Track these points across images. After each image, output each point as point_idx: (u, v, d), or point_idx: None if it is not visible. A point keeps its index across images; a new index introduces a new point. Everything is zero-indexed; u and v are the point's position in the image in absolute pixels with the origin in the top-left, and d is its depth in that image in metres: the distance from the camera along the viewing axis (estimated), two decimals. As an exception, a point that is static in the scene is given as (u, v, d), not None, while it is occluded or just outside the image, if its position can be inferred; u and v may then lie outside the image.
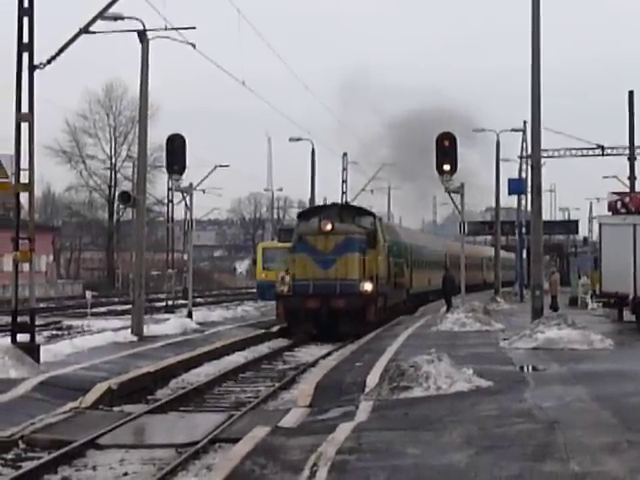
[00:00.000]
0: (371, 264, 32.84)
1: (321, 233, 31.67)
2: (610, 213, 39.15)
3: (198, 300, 49.06)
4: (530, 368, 19.58)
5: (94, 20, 23.61)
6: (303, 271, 31.71)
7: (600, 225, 30.84)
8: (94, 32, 23.90)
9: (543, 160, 31.83)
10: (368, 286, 30.83)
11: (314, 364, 25.46)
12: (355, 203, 62.47)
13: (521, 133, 48.69)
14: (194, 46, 29.81)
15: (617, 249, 29.78)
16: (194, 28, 29.61)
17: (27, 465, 12.74)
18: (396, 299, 39.61)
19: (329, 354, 26.59)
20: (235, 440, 12.77)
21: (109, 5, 23.81)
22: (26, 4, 21.96)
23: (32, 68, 21.84)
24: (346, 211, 36.20)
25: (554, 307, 39.05)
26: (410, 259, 45.79)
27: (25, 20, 21.91)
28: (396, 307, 39.55)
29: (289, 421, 14.57)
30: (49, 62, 22.27)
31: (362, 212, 37.20)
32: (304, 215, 35.93)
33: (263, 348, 29.85)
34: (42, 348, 22.74)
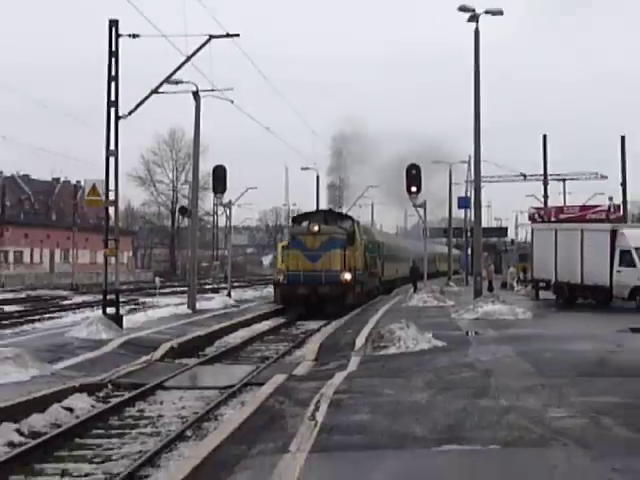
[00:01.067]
0: (350, 258, 31.07)
1: (310, 233, 30.08)
2: (530, 221, 39.33)
3: (235, 284, 48.81)
4: (473, 332, 19.72)
5: (161, 84, 23.73)
6: (295, 264, 30.11)
7: (532, 230, 31.04)
8: (162, 92, 24.02)
9: (482, 184, 32.00)
10: (347, 276, 29.38)
11: (319, 330, 25.59)
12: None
13: (466, 164, 48.45)
14: (232, 102, 30.09)
15: (543, 247, 29.93)
16: (232, 89, 29.74)
17: (113, 401, 13.00)
18: (371, 285, 37.85)
19: (329, 324, 26.54)
20: (261, 384, 13.01)
21: (172, 73, 23.92)
22: (113, 72, 22.10)
23: (117, 119, 22.02)
24: (330, 216, 34.26)
25: (490, 289, 39.10)
26: (382, 254, 43.83)
27: (112, 85, 22.07)
28: (371, 291, 37.95)
29: (300, 371, 14.81)
30: (129, 114, 22.42)
31: (343, 216, 35.71)
32: (297, 219, 34.64)
33: (281, 319, 29.77)
34: (124, 318, 22.92)
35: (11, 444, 10.08)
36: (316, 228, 29.92)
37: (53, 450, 9.93)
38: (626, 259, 25.10)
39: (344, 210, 58.23)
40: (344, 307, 28.35)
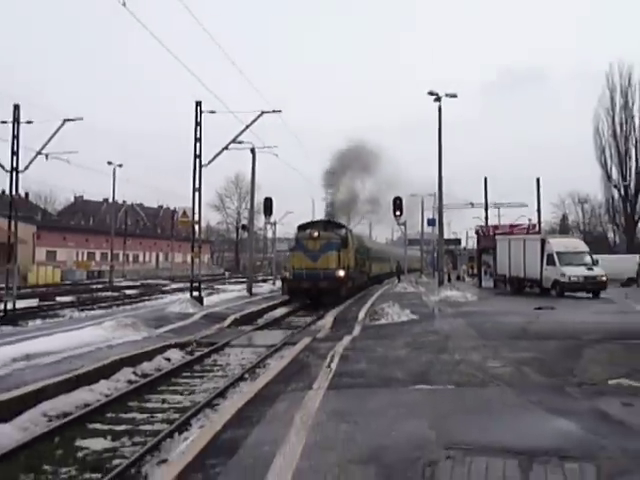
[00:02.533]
0: (344, 258, 27.00)
1: (311, 238, 25.95)
2: (476, 235, 39.14)
3: (277, 277, 49.05)
4: (437, 310, 19.56)
5: (229, 144, 23.83)
6: (299, 263, 25.86)
7: (496, 240, 30.55)
8: (229, 149, 24.15)
9: (444, 210, 31.87)
10: (341, 273, 25.69)
11: (334, 307, 25.49)
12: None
13: (434, 196, 48.20)
14: (276, 155, 29.99)
15: (502, 252, 29.43)
16: (277, 147, 29.76)
17: (197, 353, 13.04)
18: (361, 280, 33.45)
19: (339, 305, 26.46)
20: (294, 343, 13.02)
21: (236, 137, 24.05)
22: (198, 136, 22.29)
23: (200, 167, 22.17)
24: (328, 224, 29.64)
25: (449, 280, 38.74)
26: (370, 256, 38.70)
27: (197, 144, 22.26)
28: (361, 285, 33.65)
29: (321, 335, 14.80)
30: (208, 164, 22.54)
31: (339, 225, 30.82)
32: (301, 227, 29.34)
33: (308, 300, 29.66)
34: (204, 299, 23.00)
35: (129, 381, 10.20)
36: (316, 234, 26.10)
37: (157, 386, 10.03)
38: (550, 260, 24.70)
39: (351, 225, 56.41)
40: (339, 298, 25.47)
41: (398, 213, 30.26)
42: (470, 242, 58.81)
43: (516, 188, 55.16)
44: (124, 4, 13.35)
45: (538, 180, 41.54)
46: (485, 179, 44.30)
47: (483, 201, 45.17)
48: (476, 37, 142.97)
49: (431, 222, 48.64)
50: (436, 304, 21.60)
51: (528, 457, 4.82)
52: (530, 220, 42.22)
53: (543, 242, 25.85)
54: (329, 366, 9.45)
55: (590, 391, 7.40)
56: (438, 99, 28.05)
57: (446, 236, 41.94)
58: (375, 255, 42.34)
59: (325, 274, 25.20)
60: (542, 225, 42.87)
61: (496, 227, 38.43)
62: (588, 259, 24.81)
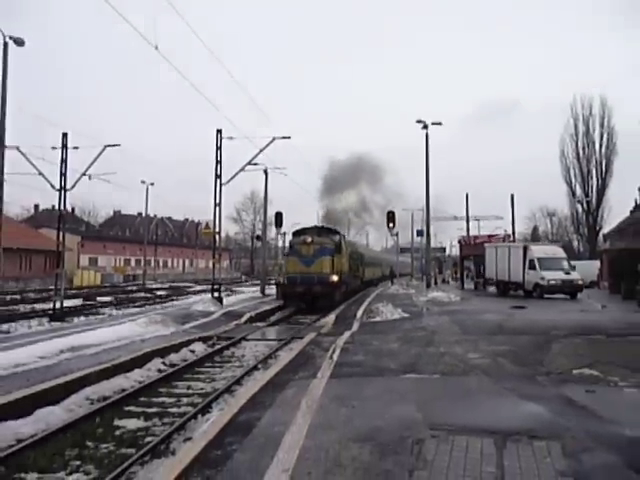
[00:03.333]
0: (337, 263, 24.00)
1: (305, 243, 23.09)
2: (459, 244, 39.03)
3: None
4: (425, 309, 19.36)
5: (245, 165, 23.86)
6: (294, 268, 22.95)
7: (485, 247, 29.95)
8: (245, 170, 24.18)
9: (431, 222, 31.88)
10: (335, 277, 22.82)
11: (336, 307, 25.33)
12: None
13: (422, 210, 48.14)
14: (286, 175, 29.87)
15: (490, 258, 28.69)
16: (285, 168, 29.72)
17: (217, 346, 12.98)
18: (354, 284, 29.98)
19: (340, 304, 26.27)
20: (301, 338, 12.93)
21: (252, 159, 24.08)
22: (218, 159, 22.36)
23: (220, 185, 22.16)
24: (322, 230, 26.08)
25: (435, 283, 38.64)
26: (363, 261, 35.09)
27: (218, 166, 22.32)
28: (354, 289, 29.97)
29: (324, 330, 14.65)
30: (227, 182, 22.59)
31: (332, 231, 26.94)
32: (296, 233, 26.04)
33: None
34: (223, 299, 22.97)
35: (159, 370, 10.19)
36: (309, 239, 23.13)
37: (183, 374, 10.01)
38: (531, 265, 24.17)
39: (351, 234, 54.35)
40: (333, 302, 22.56)
41: (391, 225, 30.20)
42: (454, 250, 58.57)
43: (493, 203, 55.49)
44: (156, 48, 13.46)
45: (512, 196, 41.98)
46: (466, 195, 44.71)
47: (465, 214, 45.29)
48: (456, 74, 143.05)
49: (420, 233, 48.57)
50: (424, 304, 21.49)
51: (502, 436, 4.82)
52: (505, 231, 42.22)
53: (525, 249, 25.37)
54: (331, 357, 9.44)
55: (557, 379, 7.38)
56: (425, 127, 28.16)
57: (433, 245, 41.86)
58: (368, 260, 39.13)
59: (319, 279, 22.34)
60: (516, 235, 42.85)
61: (476, 237, 38.40)
62: (566, 264, 24.36)
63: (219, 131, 22.31)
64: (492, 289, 29.89)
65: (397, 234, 38.35)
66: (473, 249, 34.09)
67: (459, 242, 39.03)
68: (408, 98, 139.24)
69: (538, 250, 25.35)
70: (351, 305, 23.54)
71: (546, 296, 23.22)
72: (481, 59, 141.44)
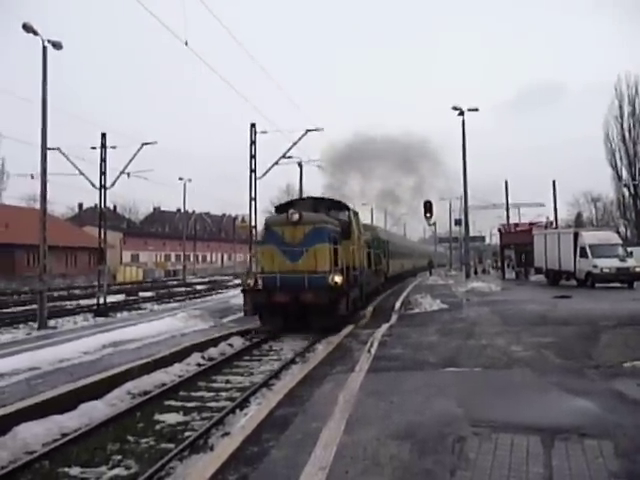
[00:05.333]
0: (344, 254, 15.14)
1: (289, 223, 14.24)
2: (499, 233, 38.11)
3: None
4: (465, 300, 18.97)
5: (279, 159, 23.88)
6: (270, 263, 14.33)
7: (534, 235, 29.05)
8: (280, 164, 24.18)
9: (469, 210, 31.25)
10: (338, 278, 13.73)
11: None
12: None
13: (460, 199, 47.22)
14: (319, 167, 29.27)
15: (539, 247, 27.63)
16: (319, 160, 29.30)
17: (255, 340, 12.98)
18: (376, 283, 21.61)
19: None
20: (339, 330, 12.76)
21: (286, 152, 24.05)
22: (252, 153, 22.43)
23: (255, 179, 22.30)
24: (321, 203, 16.64)
25: (475, 273, 37.97)
26: (388, 251, 26.86)
27: (253, 160, 22.41)
28: (376, 289, 21.71)
29: (362, 323, 14.45)
30: (262, 176, 22.68)
31: (337, 204, 17.12)
32: (280, 208, 16.74)
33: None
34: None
35: (198, 364, 10.29)
36: (296, 216, 14.12)
37: (221, 368, 10.06)
38: (583, 252, 22.99)
39: (388, 225, 47.99)
40: (335, 316, 13.48)
41: (428, 214, 29.73)
42: (494, 239, 57.30)
43: (534, 190, 53.83)
44: (186, 43, 13.52)
45: (554, 182, 40.76)
46: (506, 182, 43.47)
47: (504, 202, 44.18)
48: (496, 59, 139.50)
49: (458, 222, 47.75)
50: (464, 294, 21.09)
51: (550, 434, 4.59)
52: (548, 218, 40.91)
53: (576, 235, 24.20)
54: (369, 351, 9.31)
55: (607, 373, 7.03)
56: (461, 113, 27.54)
57: (472, 234, 41.09)
58: (395, 250, 31.04)
59: (311, 280, 13.38)
60: (559, 222, 41.62)
61: (517, 225, 37.39)
62: (621, 251, 22.95)
63: (253, 125, 22.40)
64: (535, 278, 29.07)
65: (435, 224, 37.65)
66: (514, 237, 33.26)
67: (499, 230, 38.15)
68: (446, 84, 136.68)
69: (590, 236, 24.06)
70: (389, 296, 23.09)
71: (599, 285, 22.10)
72: (522, 42, 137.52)
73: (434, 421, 5.12)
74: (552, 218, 40.26)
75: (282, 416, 5.66)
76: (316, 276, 13.43)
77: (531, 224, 36.36)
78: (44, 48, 15.48)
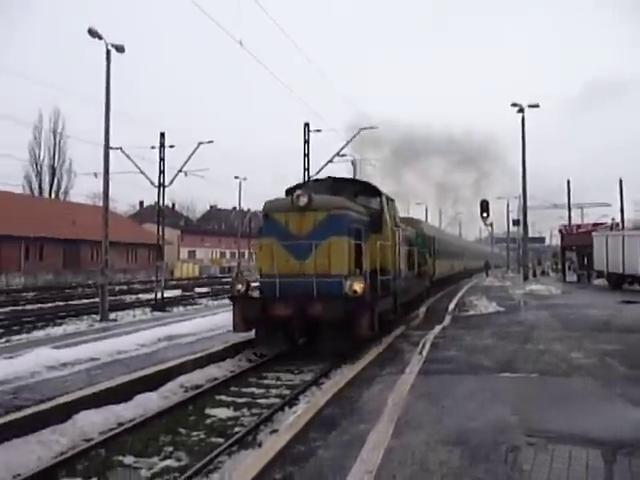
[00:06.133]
0: (371, 252, 10.67)
1: (294, 209, 9.80)
2: (560, 235, 36.65)
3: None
4: (522, 302, 18.43)
5: (333, 157, 23.88)
6: (269, 263, 9.90)
7: (593, 237, 27.78)
8: (334, 162, 24.17)
9: (529, 210, 30.22)
10: (357, 286, 9.24)
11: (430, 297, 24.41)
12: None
13: (518, 199, 45.69)
14: (374, 165, 28.71)
15: (599, 249, 26.36)
16: (375, 158, 28.90)
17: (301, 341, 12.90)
18: (419, 288, 16.76)
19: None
20: (391, 331, 12.58)
21: (339, 151, 24.06)
22: (306, 152, 22.52)
23: (309, 176, 22.33)
24: (345, 185, 11.85)
25: (534, 275, 36.68)
26: (434, 249, 22.57)
27: (306, 159, 22.50)
28: (416, 298, 16.30)
29: (414, 324, 14.18)
30: (316, 174, 22.69)
31: (365, 188, 12.27)
32: (289, 192, 11.05)
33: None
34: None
35: (250, 360, 10.37)
36: (304, 199, 9.84)
37: (272, 365, 10.05)
38: None
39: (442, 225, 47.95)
40: (352, 340, 9.55)
41: (485, 214, 28.96)
42: (554, 240, 55.16)
43: (598, 190, 51.31)
44: (240, 43, 13.71)
45: (621, 181, 38.83)
46: (568, 181, 41.72)
47: (566, 202, 42.38)
48: (559, 54, 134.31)
49: (516, 222, 46.30)
50: (521, 297, 20.40)
51: (612, 448, 4.33)
52: (613, 219, 38.96)
53: None
54: (421, 353, 9.15)
55: (677, 385, 6.58)
56: (521, 110, 26.65)
57: (531, 235, 39.72)
58: (443, 248, 27.08)
59: (321, 286, 9.67)
60: (625, 224, 39.52)
61: (579, 226, 35.87)
62: None
63: (307, 124, 22.52)
64: (598, 282, 27.73)
65: (491, 224, 36.59)
66: (576, 239, 32.00)
67: (560, 231, 36.76)
68: (509, 81, 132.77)
69: None
70: (443, 298, 22.62)
71: None
72: (588, 38, 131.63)
73: (487, 428, 4.94)
74: (618, 219, 38.39)
75: (330, 416, 5.63)
76: (328, 281, 9.54)
77: (595, 225, 34.79)
78: (108, 52, 16.12)
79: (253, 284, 11.23)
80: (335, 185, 11.85)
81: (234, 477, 4.62)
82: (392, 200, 13.18)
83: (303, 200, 9.92)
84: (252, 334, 10.56)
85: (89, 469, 5.30)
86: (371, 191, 12.31)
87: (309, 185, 12.26)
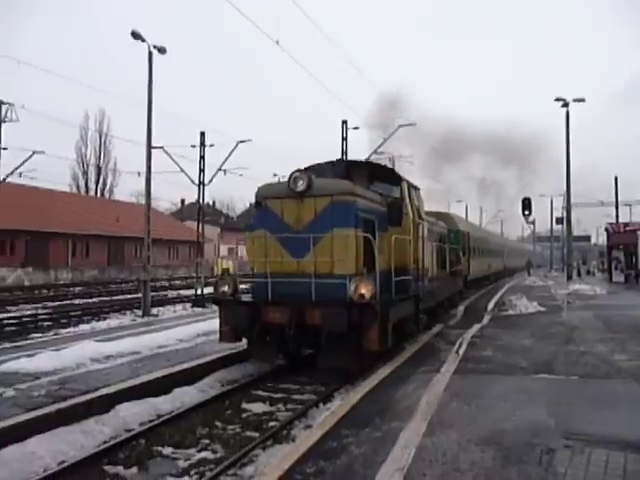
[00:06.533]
0: (389, 249, 8.64)
1: (291, 195, 7.86)
2: (606, 233, 35.38)
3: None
4: (565, 302, 17.87)
5: (371, 155, 23.75)
6: (260, 262, 8.21)
7: (638, 235, 26.76)
8: (371, 161, 23.99)
9: (574, 208, 29.27)
10: (364, 289, 7.30)
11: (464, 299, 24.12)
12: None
13: (562, 196, 44.39)
14: (412, 163, 28.44)
15: None
16: (412, 156, 28.56)
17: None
18: (452, 289, 15.56)
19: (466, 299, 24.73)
20: (428, 329, 12.50)
21: (377, 148, 23.91)
22: (344, 149, 22.50)
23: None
24: (360, 170, 9.97)
25: (579, 275, 35.53)
26: (468, 247, 21.00)
27: (344, 156, 22.46)
28: (450, 299, 15.52)
29: (451, 323, 14.09)
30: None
31: (385, 174, 10.26)
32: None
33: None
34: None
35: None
36: (302, 183, 7.85)
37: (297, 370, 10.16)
38: None
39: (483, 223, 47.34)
40: (358, 355, 7.70)
41: (527, 212, 28.24)
42: (600, 239, 53.36)
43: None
44: (277, 42, 13.82)
45: (673, 177, 36.91)
46: (615, 178, 40.13)
47: (613, 199, 40.85)
48: (602, 49, 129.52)
49: (559, 220, 45.04)
50: (564, 297, 19.79)
51: (652, 453, 4.20)
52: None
53: None
54: (457, 352, 9.06)
55: None
56: (565, 105, 25.89)
57: (575, 233, 38.55)
58: (479, 245, 24.99)
59: (321, 288, 7.85)
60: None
61: (627, 224, 34.51)
62: None
63: (344, 122, 22.50)
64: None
65: (534, 222, 35.74)
66: (623, 237, 30.78)
67: (606, 230, 35.35)
68: (547, 74, 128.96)
69: None
70: (482, 297, 22.25)
71: None
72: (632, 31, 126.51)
73: (522, 429, 4.87)
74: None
75: (363, 413, 5.66)
76: (330, 282, 7.85)
77: (643, 223, 33.44)
78: (150, 54, 16.55)
79: (242, 286, 9.72)
80: (347, 168, 10.28)
81: (266, 470, 4.71)
82: (417, 189, 11.31)
83: (301, 184, 8.00)
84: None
85: (130, 458, 5.51)
86: (390, 177, 10.43)
87: (314, 167, 10.17)
